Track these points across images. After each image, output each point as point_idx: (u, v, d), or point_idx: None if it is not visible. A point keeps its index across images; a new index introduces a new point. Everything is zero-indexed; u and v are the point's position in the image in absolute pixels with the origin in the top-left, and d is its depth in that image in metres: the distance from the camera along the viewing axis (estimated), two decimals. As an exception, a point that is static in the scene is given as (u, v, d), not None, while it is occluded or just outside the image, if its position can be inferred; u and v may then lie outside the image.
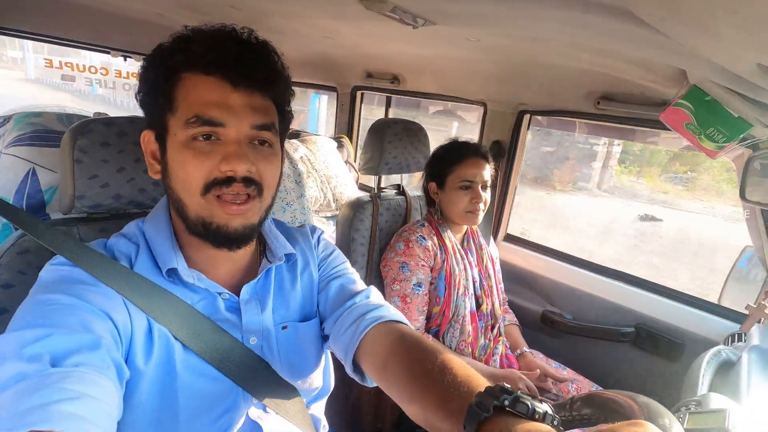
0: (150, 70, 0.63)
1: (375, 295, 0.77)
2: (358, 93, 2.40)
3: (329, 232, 1.70)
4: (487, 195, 1.29)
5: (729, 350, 0.90)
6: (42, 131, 1.04)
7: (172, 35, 0.62)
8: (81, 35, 2.10)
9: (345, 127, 2.46)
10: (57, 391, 0.43)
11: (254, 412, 0.69)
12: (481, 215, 1.30)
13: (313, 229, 0.86)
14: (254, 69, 0.61)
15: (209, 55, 0.59)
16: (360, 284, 0.80)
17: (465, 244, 1.38)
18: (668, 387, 1.40)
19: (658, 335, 1.44)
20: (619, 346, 1.53)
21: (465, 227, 1.38)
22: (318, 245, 0.83)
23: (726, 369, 0.86)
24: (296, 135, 2.23)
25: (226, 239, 0.63)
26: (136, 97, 0.65)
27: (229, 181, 0.60)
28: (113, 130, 0.79)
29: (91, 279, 0.59)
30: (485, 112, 1.83)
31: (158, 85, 0.61)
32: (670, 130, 1.03)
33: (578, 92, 1.51)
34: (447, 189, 1.30)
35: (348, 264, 0.84)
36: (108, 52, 2.20)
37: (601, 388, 1.35)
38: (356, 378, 0.73)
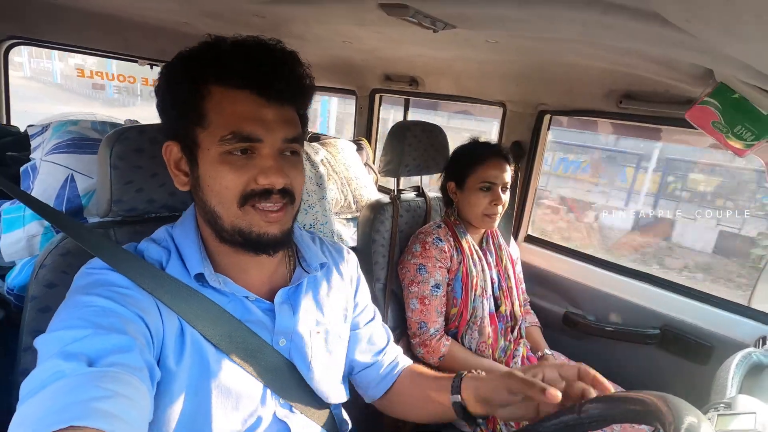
0: (173, 82, 0.63)
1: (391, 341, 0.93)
2: (377, 96, 2.42)
3: (350, 233, 1.72)
4: (506, 197, 1.29)
5: (760, 353, 0.88)
6: (78, 139, 1.09)
7: (200, 43, 0.62)
8: (109, 45, 2.18)
9: (364, 130, 2.49)
10: (93, 389, 0.45)
11: (281, 412, 0.71)
12: (499, 218, 1.30)
13: (348, 250, 0.90)
14: (287, 83, 0.62)
15: (242, 69, 0.59)
16: (380, 331, 0.92)
17: (484, 244, 1.38)
18: (696, 390, 1.37)
19: (686, 337, 1.41)
20: (643, 349, 1.50)
21: (483, 229, 1.38)
22: (357, 270, 0.90)
23: (756, 372, 0.84)
24: (316, 138, 2.27)
25: (266, 246, 0.65)
26: (157, 107, 0.66)
27: (266, 193, 0.61)
28: (145, 137, 0.82)
29: (125, 281, 0.61)
30: (504, 113, 1.82)
31: (184, 98, 0.61)
32: (695, 128, 1.01)
33: (600, 91, 1.50)
34: (467, 189, 1.30)
35: (368, 293, 0.92)
36: (136, 61, 2.27)
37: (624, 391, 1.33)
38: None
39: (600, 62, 1.30)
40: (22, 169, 1.09)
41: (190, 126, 0.62)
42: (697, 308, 1.43)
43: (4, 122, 1.93)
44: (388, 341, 0.92)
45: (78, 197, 1.01)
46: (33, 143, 1.17)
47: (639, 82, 1.36)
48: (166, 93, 0.64)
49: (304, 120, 0.71)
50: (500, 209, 1.28)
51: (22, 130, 1.72)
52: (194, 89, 0.60)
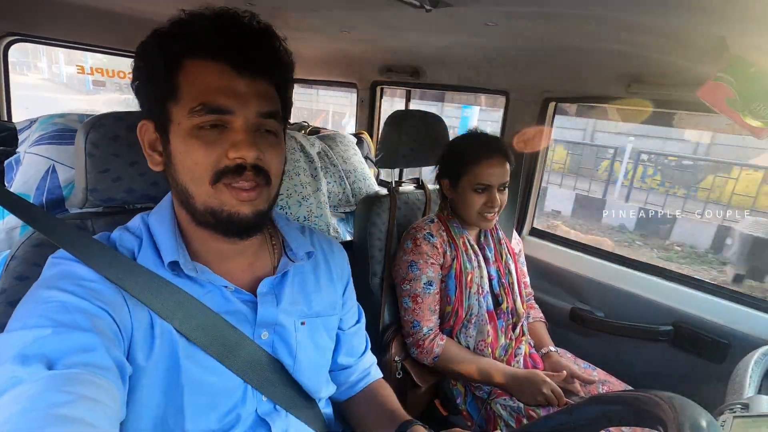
0: (148, 58, 0.60)
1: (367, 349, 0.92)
2: (378, 88, 2.37)
3: (348, 228, 1.67)
4: (504, 196, 1.21)
5: (780, 350, 0.81)
6: (63, 130, 1.07)
7: (169, 20, 0.59)
8: (107, 41, 2.17)
9: (365, 123, 2.44)
10: (54, 394, 0.42)
11: (263, 410, 0.67)
12: (496, 218, 1.23)
13: (339, 245, 0.87)
14: (258, 54, 0.59)
15: (213, 41, 0.57)
16: (361, 336, 0.90)
17: (482, 239, 1.31)
18: (711, 390, 1.29)
19: (700, 334, 1.34)
20: (655, 346, 1.43)
21: None
22: (347, 266, 0.87)
23: (777, 370, 0.77)
24: (315, 132, 2.23)
25: (237, 227, 0.61)
26: (131, 86, 0.64)
27: (239, 169, 0.58)
28: (123, 124, 0.79)
29: (92, 274, 0.58)
30: (507, 102, 1.76)
31: (158, 73, 0.59)
32: (710, 109, 0.94)
33: (608, 76, 1.43)
34: (461, 189, 1.21)
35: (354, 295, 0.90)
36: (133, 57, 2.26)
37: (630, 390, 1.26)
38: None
39: (607, 43, 1.23)
40: (6, 162, 1.07)
41: (162, 101, 0.60)
42: (712, 303, 1.36)
43: (4, 118, 1.93)
44: (365, 348, 0.91)
45: (59, 188, 0.99)
46: (20, 137, 1.15)
47: (649, 63, 1.28)
48: (141, 71, 0.62)
49: (285, 100, 0.67)
50: (497, 210, 1.20)
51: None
52: (168, 63, 0.59)
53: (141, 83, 0.62)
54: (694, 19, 0.73)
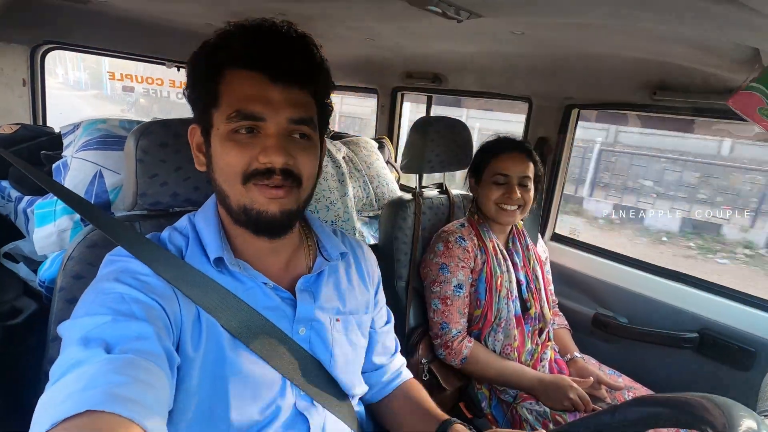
0: (195, 67, 0.66)
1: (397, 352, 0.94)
2: (399, 94, 2.40)
3: (371, 231, 1.70)
4: (529, 194, 1.24)
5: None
6: (107, 136, 1.11)
7: (215, 31, 0.64)
8: (138, 48, 2.24)
9: (385, 128, 2.47)
10: (111, 374, 0.45)
11: (301, 404, 0.70)
12: (518, 214, 1.25)
13: (368, 248, 0.90)
14: (293, 63, 0.62)
15: (249, 51, 0.61)
16: (392, 336, 0.93)
17: (510, 245, 1.33)
18: (738, 398, 1.29)
19: (726, 342, 1.33)
20: (680, 353, 1.43)
21: (509, 227, 1.34)
22: (377, 268, 0.89)
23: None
24: (339, 136, 2.26)
25: (265, 225, 0.64)
26: (183, 93, 0.68)
27: (268, 173, 0.61)
28: (170, 131, 0.83)
29: (146, 269, 0.62)
30: (530, 108, 1.77)
31: (203, 82, 0.64)
32: (740, 117, 0.95)
33: (632, 83, 1.43)
34: (482, 183, 1.27)
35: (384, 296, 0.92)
36: (163, 64, 2.33)
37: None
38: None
39: (632, 52, 1.25)
40: (54, 165, 1.12)
41: (206, 107, 0.64)
42: (738, 310, 1.35)
43: (40, 123, 2.00)
44: (396, 349, 0.93)
45: (105, 192, 1.03)
46: (65, 141, 1.20)
47: (674, 71, 1.29)
48: (190, 78, 0.67)
49: (323, 105, 0.70)
50: (518, 204, 1.22)
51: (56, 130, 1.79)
52: (210, 72, 0.63)
53: (190, 90, 0.67)
54: (726, 30, 0.75)
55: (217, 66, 0.63)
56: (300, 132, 0.64)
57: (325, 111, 0.72)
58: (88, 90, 13.36)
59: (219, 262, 0.66)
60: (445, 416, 0.78)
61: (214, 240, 0.67)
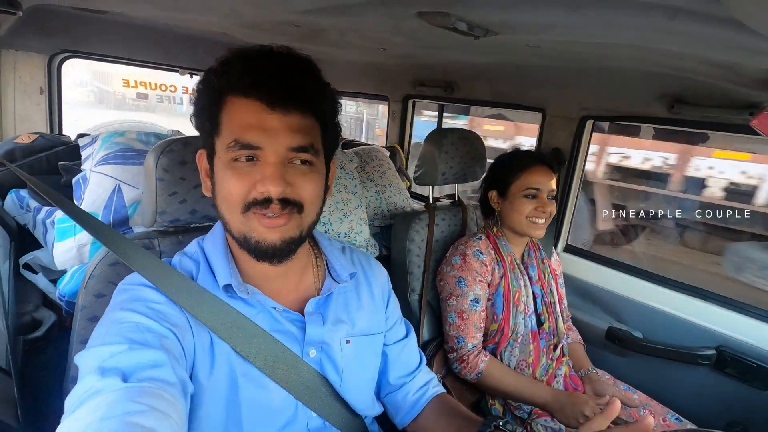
0: (199, 94, 0.66)
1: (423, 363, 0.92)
2: (410, 102, 2.40)
3: (383, 241, 1.70)
4: (554, 206, 1.24)
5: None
6: (125, 150, 1.12)
7: (217, 59, 0.64)
8: (152, 56, 2.27)
9: (396, 137, 2.47)
10: (128, 404, 0.46)
11: (314, 425, 0.70)
12: (545, 226, 1.25)
13: (378, 264, 0.89)
14: (291, 88, 0.61)
15: (246, 78, 0.60)
16: (412, 352, 0.90)
17: (525, 258, 1.32)
18: (758, 417, 1.27)
19: (745, 360, 1.31)
20: (696, 370, 1.41)
21: (525, 240, 1.33)
22: (388, 283, 0.88)
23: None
24: (349, 144, 2.27)
25: (264, 253, 0.64)
26: (190, 119, 0.68)
27: (266, 202, 0.61)
28: (190, 149, 0.84)
29: (159, 297, 0.63)
30: (543, 119, 1.76)
31: (206, 109, 0.64)
32: (760, 135, 0.94)
33: (649, 95, 1.42)
34: (510, 196, 1.26)
35: (399, 310, 0.90)
36: (177, 71, 2.35)
37: (677, 415, 1.24)
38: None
39: (651, 66, 1.23)
40: (74, 180, 1.13)
41: (210, 134, 0.65)
42: (758, 328, 1.32)
43: (57, 132, 2.03)
44: (419, 364, 0.90)
45: (124, 207, 1.04)
46: (83, 154, 1.22)
47: (694, 85, 1.27)
48: (195, 105, 0.67)
49: (328, 128, 0.68)
50: (546, 217, 1.23)
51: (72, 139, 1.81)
52: (212, 100, 0.63)
53: (196, 117, 0.67)
54: (752, 58, 0.73)
55: (218, 93, 0.63)
56: (301, 159, 0.63)
57: (330, 133, 0.70)
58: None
59: (228, 287, 0.67)
60: (480, 419, 0.74)
61: (223, 266, 0.67)
